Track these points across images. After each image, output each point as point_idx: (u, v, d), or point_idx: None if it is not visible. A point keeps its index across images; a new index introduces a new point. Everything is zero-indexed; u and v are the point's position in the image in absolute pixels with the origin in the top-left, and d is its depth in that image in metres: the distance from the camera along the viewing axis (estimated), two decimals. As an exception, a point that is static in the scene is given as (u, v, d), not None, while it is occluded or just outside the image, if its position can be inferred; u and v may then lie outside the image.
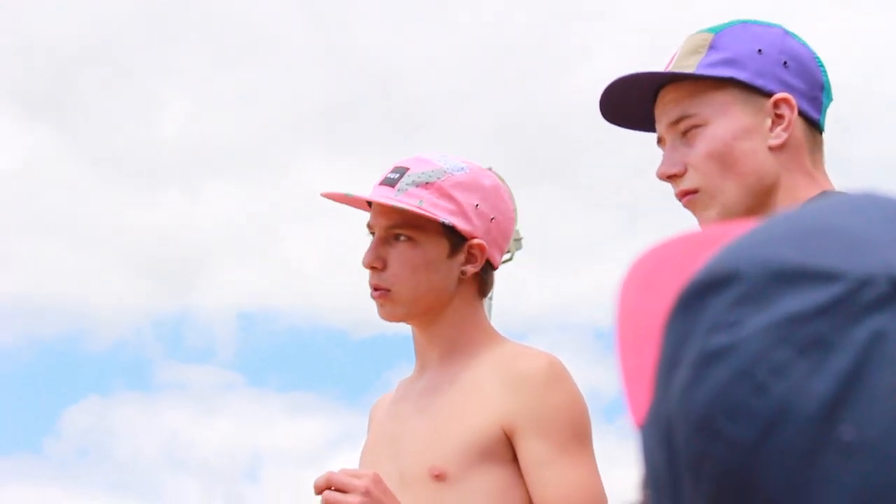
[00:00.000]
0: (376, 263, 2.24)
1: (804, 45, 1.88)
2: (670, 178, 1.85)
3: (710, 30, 1.87)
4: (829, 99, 1.88)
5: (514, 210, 2.40)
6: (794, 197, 1.80)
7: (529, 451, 2.13)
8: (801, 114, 1.83)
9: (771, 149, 1.81)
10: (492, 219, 2.27)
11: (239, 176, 13.91)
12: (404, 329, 2.33)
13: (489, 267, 2.28)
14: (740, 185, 1.80)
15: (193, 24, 13.39)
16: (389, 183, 2.24)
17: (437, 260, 2.25)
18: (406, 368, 2.36)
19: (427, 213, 2.21)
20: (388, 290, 2.24)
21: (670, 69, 1.86)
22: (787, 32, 1.88)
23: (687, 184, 1.83)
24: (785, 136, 1.81)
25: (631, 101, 1.90)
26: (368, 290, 2.28)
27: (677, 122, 1.84)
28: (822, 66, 1.87)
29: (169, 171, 13.61)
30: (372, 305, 2.27)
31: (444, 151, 2.34)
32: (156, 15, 13.28)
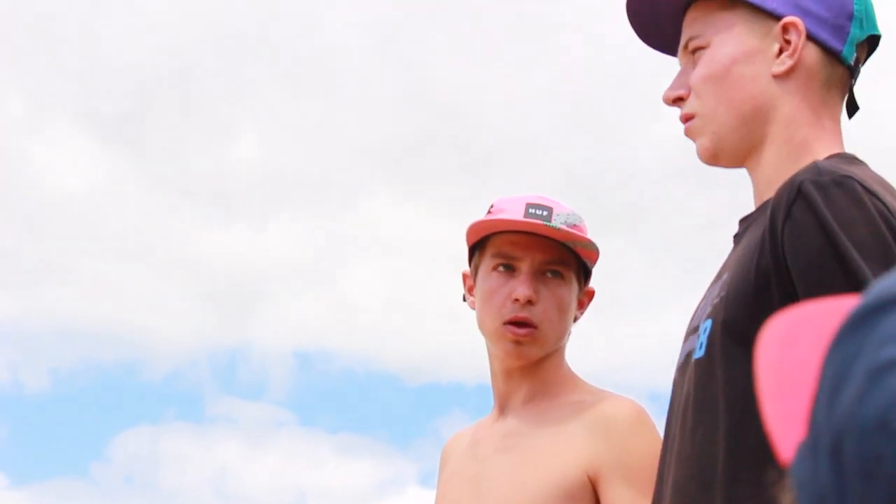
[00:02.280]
0: (534, 298, 2.17)
1: None
2: (675, 101, 1.73)
3: None
4: (864, 30, 1.69)
5: None
6: (789, 132, 1.65)
7: (614, 497, 2.07)
8: (818, 42, 1.66)
9: (774, 76, 1.66)
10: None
11: (306, 210, 13.91)
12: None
13: None
14: (733, 111, 1.66)
15: (269, 54, 13.46)
16: (541, 219, 2.18)
17: (572, 302, 2.22)
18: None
19: (591, 252, 2.20)
20: (536, 328, 2.18)
21: None
22: None
23: (686, 108, 1.71)
24: (790, 62, 1.65)
25: (665, 23, 1.78)
26: (498, 325, 2.18)
27: (686, 43, 1.73)
28: None
29: (238, 201, 13.65)
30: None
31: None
32: (233, 43, 13.35)
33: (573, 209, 2.24)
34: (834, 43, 1.67)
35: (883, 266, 1.44)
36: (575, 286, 2.22)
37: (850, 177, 1.51)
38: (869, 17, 1.70)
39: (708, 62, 1.68)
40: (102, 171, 13.48)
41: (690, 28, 1.72)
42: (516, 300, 2.17)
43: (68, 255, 13.47)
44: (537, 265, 2.19)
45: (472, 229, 2.24)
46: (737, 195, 1.85)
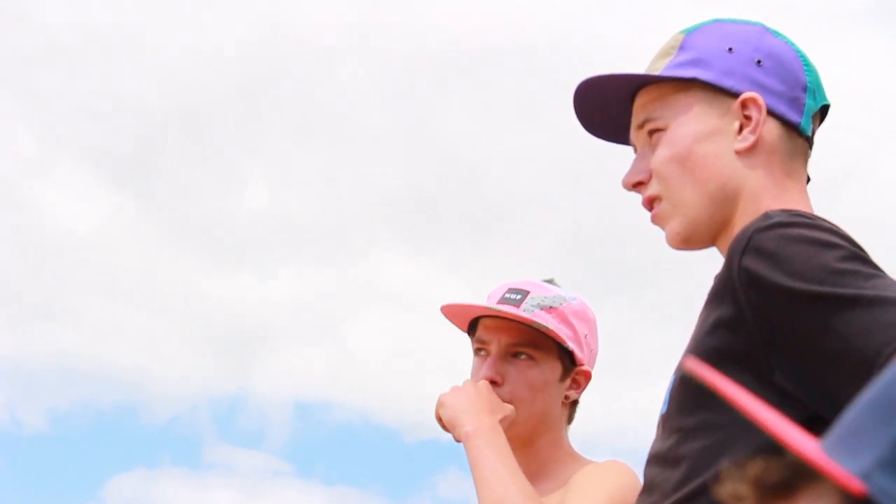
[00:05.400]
0: (497, 379, 2.24)
1: (787, 43, 1.71)
2: (636, 186, 1.71)
3: (684, 31, 1.73)
4: (818, 101, 1.70)
5: None
6: (755, 206, 1.63)
7: None
8: (776, 116, 1.66)
9: (738, 153, 1.64)
10: (592, 350, 2.32)
11: (313, 260, 13.94)
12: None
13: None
14: (701, 191, 1.64)
15: (281, 104, 13.54)
16: (512, 303, 2.27)
17: (551, 382, 2.27)
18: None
19: (556, 334, 2.23)
20: None
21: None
22: (767, 30, 1.71)
23: (649, 191, 1.68)
24: (752, 138, 1.64)
25: (612, 114, 1.77)
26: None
27: (642, 125, 1.70)
28: (807, 65, 1.70)
29: (244, 248, 13.68)
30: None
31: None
32: (247, 90, 13.43)
33: (561, 292, 2.30)
34: (792, 115, 1.67)
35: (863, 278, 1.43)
36: (554, 366, 2.26)
37: (797, 214, 1.51)
38: (819, 87, 1.70)
39: (669, 143, 1.66)
40: (110, 212, 13.52)
41: (644, 111, 1.71)
42: None
43: (72, 295, 13.49)
44: (503, 347, 2.26)
45: (445, 312, 2.34)
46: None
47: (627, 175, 1.71)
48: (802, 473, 0.71)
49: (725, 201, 1.64)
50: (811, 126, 1.69)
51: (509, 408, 2.19)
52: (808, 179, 1.71)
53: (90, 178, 13.43)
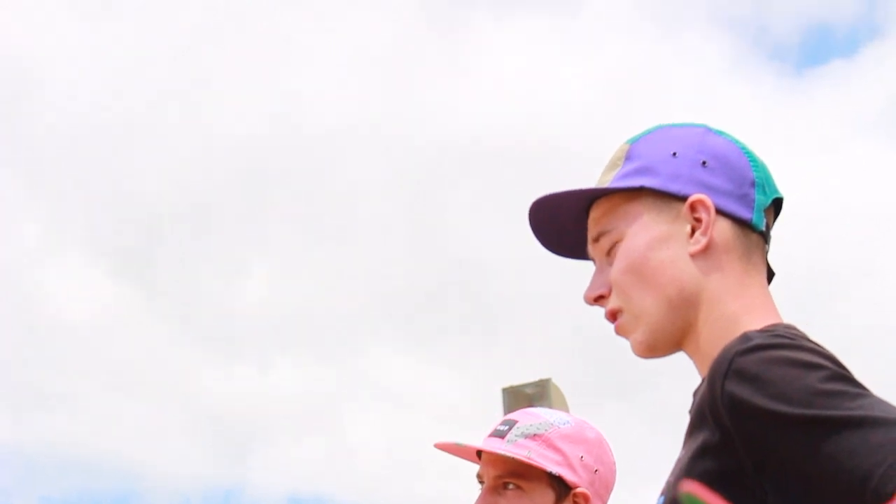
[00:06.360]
0: None
1: (731, 140, 1.71)
2: (597, 300, 1.70)
3: (629, 140, 1.73)
4: (768, 195, 1.69)
5: (615, 462, 2.45)
6: (719, 309, 1.62)
7: None
8: (727, 214, 1.65)
9: (692, 256, 1.64)
10: (595, 470, 2.35)
11: (312, 353, 13.92)
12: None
13: None
14: (660, 299, 1.64)
15: (286, 197, 13.60)
16: (499, 434, 2.35)
17: None
18: None
19: (535, 463, 2.29)
20: None
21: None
22: (709, 130, 1.71)
23: (610, 304, 1.67)
24: (704, 240, 1.63)
25: (570, 230, 1.76)
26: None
27: (597, 239, 1.70)
28: (753, 160, 1.70)
29: (244, 340, 13.67)
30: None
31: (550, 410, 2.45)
32: (251, 183, 13.51)
33: (551, 417, 2.38)
34: (743, 212, 1.66)
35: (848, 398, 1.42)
36: (544, 493, 2.32)
37: (777, 335, 1.50)
38: (769, 181, 1.70)
39: (624, 254, 1.66)
40: (111, 301, 13.52)
41: (598, 225, 1.71)
42: None
43: (72, 383, 13.46)
44: (492, 480, 2.34)
45: (442, 450, 2.43)
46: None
47: (588, 290, 1.71)
48: None
49: (686, 305, 1.64)
50: (764, 221, 1.69)
51: None
52: (773, 274, 1.71)
53: (93, 266, 13.44)
